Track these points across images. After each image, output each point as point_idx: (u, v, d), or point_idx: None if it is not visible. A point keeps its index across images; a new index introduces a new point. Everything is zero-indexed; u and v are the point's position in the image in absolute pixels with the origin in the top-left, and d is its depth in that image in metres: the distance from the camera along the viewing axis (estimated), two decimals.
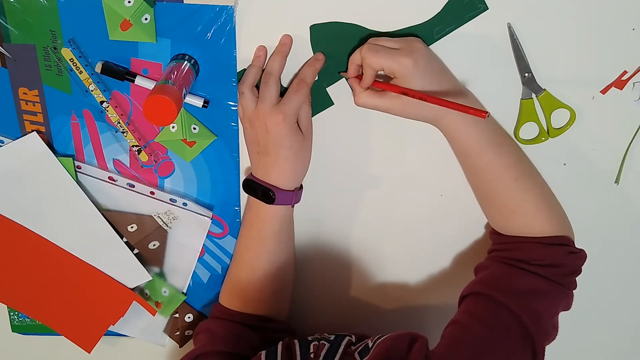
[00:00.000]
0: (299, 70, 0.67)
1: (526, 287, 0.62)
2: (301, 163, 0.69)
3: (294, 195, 0.69)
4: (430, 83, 0.62)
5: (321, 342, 0.65)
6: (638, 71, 0.66)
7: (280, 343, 0.65)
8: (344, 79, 0.68)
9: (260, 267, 0.72)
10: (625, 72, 0.66)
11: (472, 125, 0.63)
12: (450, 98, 0.60)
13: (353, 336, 0.67)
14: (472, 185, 0.71)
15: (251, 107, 0.66)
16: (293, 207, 0.71)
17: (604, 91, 0.67)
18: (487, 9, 0.64)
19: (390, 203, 0.75)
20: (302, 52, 0.67)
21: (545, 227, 0.65)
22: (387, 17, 0.65)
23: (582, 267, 0.65)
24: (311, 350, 0.64)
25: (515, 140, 0.70)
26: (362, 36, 0.66)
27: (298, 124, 0.67)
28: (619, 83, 0.67)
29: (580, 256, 0.65)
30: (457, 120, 0.63)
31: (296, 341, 0.66)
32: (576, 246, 0.66)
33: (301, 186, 0.72)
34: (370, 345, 0.63)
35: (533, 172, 0.68)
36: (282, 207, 0.69)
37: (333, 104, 0.70)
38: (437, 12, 0.65)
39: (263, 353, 0.64)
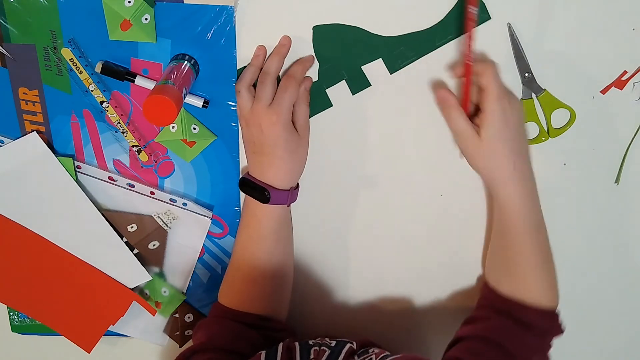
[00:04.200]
0: (288, 67, 0.67)
1: (532, 345, 0.67)
2: (297, 163, 0.69)
3: (290, 194, 0.69)
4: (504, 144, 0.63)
5: (322, 347, 0.65)
6: (638, 71, 0.66)
7: (281, 344, 0.65)
8: (343, 81, 0.68)
9: (258, 267, 0.72)
10: (625, 72, 0.66)
11: (528, 207, 0.66)
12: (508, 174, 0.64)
13: (354, 343, 0.67)
14: (496, 253, 0.73)
15: (247, 107, 0.66)
16: (289, 206, 0.71)
17: (604, 91, 0.67)
18: (490, 18, 0.64)
19: (390, 203, 0.75)
20: (303, 52, 0.67)
21: (547, 297, 0.69)
22: (389, 21, 0.65)
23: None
24: (312, 356, 0.64)
25: None
26: (364, 39, 0.66)
27: (295, 124, 0.67)
28: (619, 83, 0.67)
29: (560, 329, 0.70)
30: (516, 197, 0.65)
31: (297, 344, 0.66)
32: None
33: (297, 185, 0.72)
34: None
35: (550, 251, 0.70)
36: (278, 206, 0.69)
37: (332, 105, 0.70)
38: (439, 20, 0.65)
39: (263, 353, 0.64)
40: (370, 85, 0.68)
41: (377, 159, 0.73)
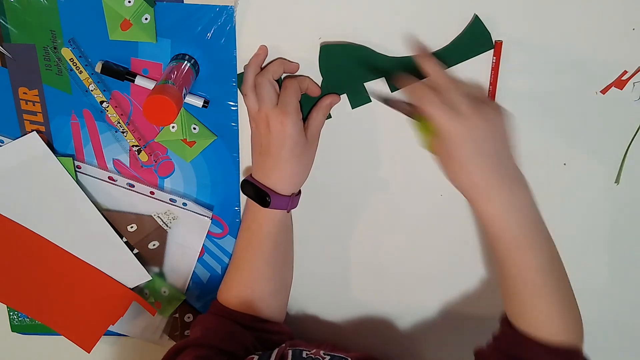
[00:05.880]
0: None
1: None
2: (301, 167, 0.68)
3: (290, 200, 0.69)
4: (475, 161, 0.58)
5: None
6: (638, 71, 0.66)
7: (275, 351, 0.65)
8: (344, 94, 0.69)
9: (257, 269, 0.72)
10: (625, 72, 0.66)
11: (508, 221, 0.59)
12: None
13: (349, 359, 0.67)
14: (498, 272, 0.65)
15: (255, 108, 0.66)
16: (289, 212, 0.71)
17: (604, 91, 0.67)
18: (494, 47, 0.65)
19: (390, 203, 0.75)
20: (304, 52, 0.67)
21: (556, 333, 0.61)
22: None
23: None
24: None
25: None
26: (369, 58, 0.66)
27: (306, 130, 0.67)
28: (619, 83, 0.67)
29: None
30: (491, 211, 0.59)
31: (290, 352, 0.66)
32: (584, 354, 0.63)
33: (299, 192, 0.71)
34: None
35: (561, 274, 0.63)
36: (278, 211, 0.69)
37: (330, 117, 0.70)
38: (445, 44, 0.65)
39: (255, 358, 0.64)
40: (370, 101, 0.69)
41: (377, 158, 0.73)
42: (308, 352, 0.67)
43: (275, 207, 0.68)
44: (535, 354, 0.60)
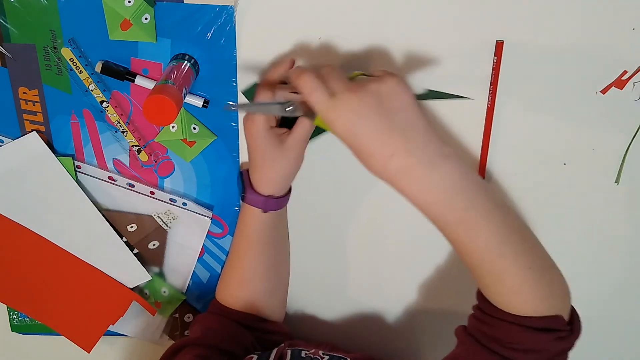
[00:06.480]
0: None
1: None
2: (274, 173, 0.66)
3: (265, 201, 0.67)
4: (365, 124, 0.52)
5: None
6: (638, 71, 0.66)
7: (274, 351, 0.65)
8: None
9: (247, 268, 0.72)
10: (625, 72, 0.66)
11: (442, 195, 0.53)
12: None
13: (348, 359, 0.67)
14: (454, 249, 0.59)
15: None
16: (266, 212, 0.68)
17: (604, 91, 0.67)
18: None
19: (390, 204, 0.75)
20: (305, 51, 0.67)
21: (531, 306, 0.55)
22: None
23: (576, 343, 0.58)
24: None
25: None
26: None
27: (288, 137, 0.64)
28: (619, 83, 0.67)
29: (569, 340, 0.57)
30: (419, 186, 0.54)
31: (289, 351, 0.66)
32: (575, 317, 0.59)
33: (284, 196, 0.69)
34: None
35: (525, 243, 0.57)
36: (257, 210, 0.68)
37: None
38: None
39: (254, 357, 0.64)
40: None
41: None
42: (307, 352, 0.67)
43: (250, 204, 0.68)
44: (508, 330, 0.56)
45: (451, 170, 0.54)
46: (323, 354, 0.68)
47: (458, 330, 0.62)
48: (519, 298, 0.56)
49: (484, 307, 0.59)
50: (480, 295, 0.60)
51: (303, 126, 0.64)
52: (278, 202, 0.69)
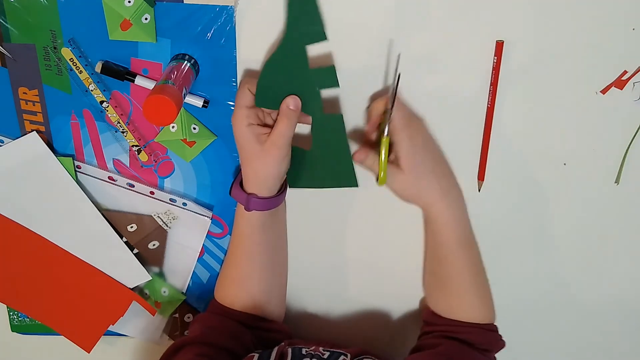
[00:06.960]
0: None
1: None
2: (254, 172, 0.66)
3: (247, 199, 0.67)
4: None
5: (313, 359, 0.65)
6: (638, 71, 0.66)
7: (275, 349, 0.65)
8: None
9: (242, 268, 0.72)
10: (625, 72, 0.66)
11: (458, 222, 0.69)
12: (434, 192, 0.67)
13: (348, 355, 0.67)
14: (431, 271, 0.75)
15: None
16: (249, 210, 0.67)
17: (604, 91, 0.67)
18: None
19: (389, 203, 0.75)
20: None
21: (484, 315, 0.72)
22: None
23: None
24: None
25: None
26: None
27: (268, 137, 0.64)
28: (619, 83, 0.67)
29: (502, 343, 0.73)
30: (447, 213, 0.68)
31: (289, 350, 0.66)
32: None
33: (268, 198, 0.67)
34: None
35: (482, 267, 0.73)
36: (251, 211, 0.68)
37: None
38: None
39: (255, 356, 0.64)
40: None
41: None
42: (307, 349, 0.67)
43: (234, 198, 0.69)
44: (475, 334, 0.70)
45: (462, 198, 0.71)
46: (324, 350, 0.68)
47: (422, 344, 0.73)
48: (477, 311, 0.72)
49: (443, 321, 0.73)
50: (432, 314, 0.75)
51: (279, 129, 0.63)
52: (263, 202, 0.67)
